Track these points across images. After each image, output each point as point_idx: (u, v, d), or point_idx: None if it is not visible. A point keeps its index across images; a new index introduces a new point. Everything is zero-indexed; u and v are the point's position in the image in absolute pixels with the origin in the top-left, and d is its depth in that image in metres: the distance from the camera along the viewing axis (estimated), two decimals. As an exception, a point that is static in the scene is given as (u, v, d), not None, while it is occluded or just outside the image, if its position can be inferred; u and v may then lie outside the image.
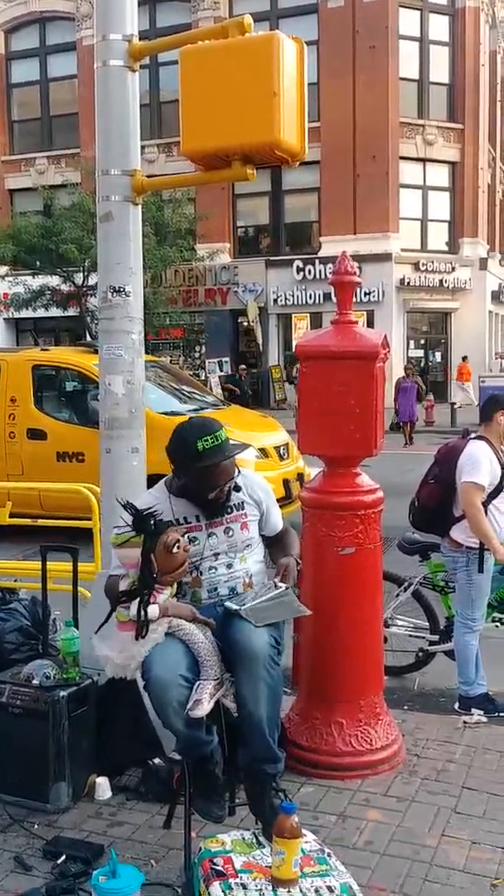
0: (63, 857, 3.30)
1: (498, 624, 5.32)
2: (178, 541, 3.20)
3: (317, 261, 29.15)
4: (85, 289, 25.18)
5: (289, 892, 2.75)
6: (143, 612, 3.15)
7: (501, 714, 4.73)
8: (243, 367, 28.60)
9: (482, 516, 4.68)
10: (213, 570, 3.44)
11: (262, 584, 3.45)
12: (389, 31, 28.34)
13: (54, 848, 3.38)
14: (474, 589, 4.83)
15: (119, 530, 3.27)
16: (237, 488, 3.49)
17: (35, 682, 3.84)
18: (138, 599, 3.16)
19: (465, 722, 4.62)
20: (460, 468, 4.79)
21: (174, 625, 3.21)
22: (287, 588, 3.33)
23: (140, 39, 4.39)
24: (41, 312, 27.78)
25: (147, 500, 3.53)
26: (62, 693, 3.74)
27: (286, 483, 9.16)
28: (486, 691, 4.85)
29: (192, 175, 4.48)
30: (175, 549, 3.18)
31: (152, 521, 3.21)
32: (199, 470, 3.32)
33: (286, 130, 3.93)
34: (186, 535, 3.40)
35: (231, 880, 2.80)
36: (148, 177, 4.42)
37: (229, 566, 3.46)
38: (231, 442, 3.42)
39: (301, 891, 2.76)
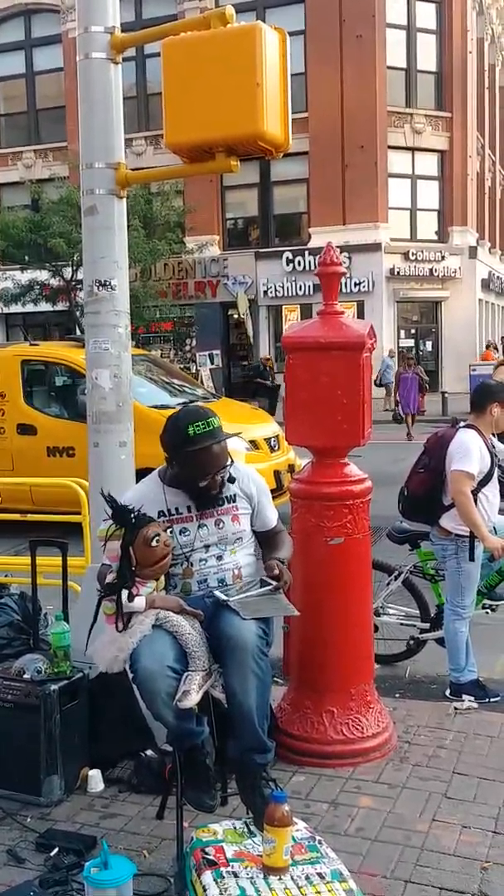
0: (56, 850, 3.31)
1: (488, 611, 5.35)
2: (157, 535, 3.21)
3: (306, 252, 29.13)
4: (74, 283, 25.15)
5: (280, 879, 2.77)
6: (120, 604, 3.16)
7: (492, 700, 4.76)
8: (267, 356, 27.21)
9: (471, 505, 4.70)
10: (204, 562, 3.45)
11: (252, 578, 3.47)
12: (376, 20, 28.30)
13: (47, 840, 3.39)
14: (464, 576, 4.85)
15: (104, 524, 3.28)
16: (231, 479, 3.50)
17: (26, 676, 3.85)
18: (118, 592, 3.18)
19: (455, 708, 4.64)
20: (450, 457, 4.80)
21: (161, 616, 3.22)
22: (276, 586, 3.32)
23: (125, 31, 4.38)
24: (30, 307, 27.75)
25: (140, 489, 3.55)
26: (53, 687, 3.75)
27: (277, 475, 9.18)
28: (477, 678, 4.88)
29: (176, 167, 4.48)
30: (154, 543, 3.19)
31: (132, 515, 3.22)
32: (189, 455, 3.34)
33: (270, 121, 3.94)
34: (175, 526, 3.42)
35: (222, 869, 2.82)
36: (137, 169, 4.41)
37: (219, 558, 3.47)
38: (222, 429, 3.42)
39: (292, 878, 2.78)
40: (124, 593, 3.18)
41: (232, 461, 3.51)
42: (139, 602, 3.19)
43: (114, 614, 3.20)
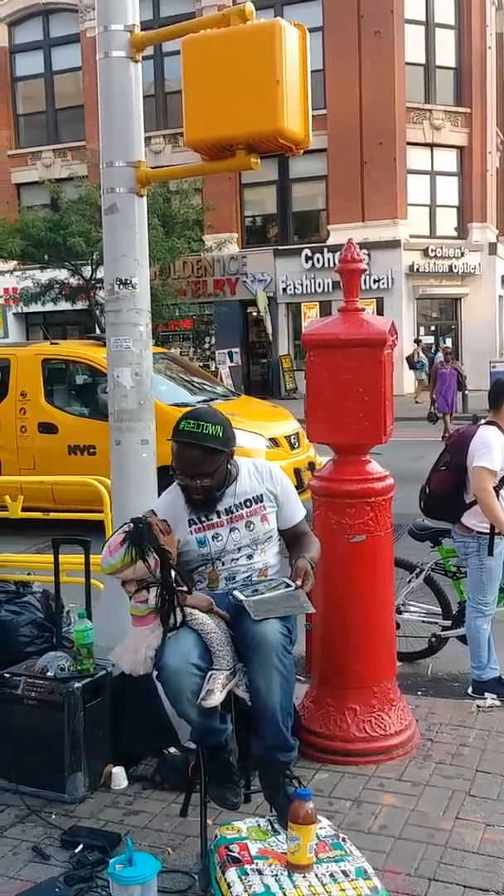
0: (80, 846, 3.33)
1: (510, 608, 5.32)
2: (164, 521, 3.27)
3: (325, 249, 29.05)
4: (93, 282, 25.18)
5: (304, 877, 2.77)
6: (174, 594, 3.20)
7: (515, 698, 4.74)
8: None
9: (494, 500, 4.67)
10: (235, 562, 3.46)
11: (276, 577, 3.46)
12: (395, 15, 28.15)
13: (72, 837, 3.40)
14: (486, 573, 4.83)
15: (109, 560, 3.25)
16: (220, 498, 3.44)
17: (50, 674, 3.86)
18: (159, 590, 3.19)
19: (478, 706, 4.62)
20: (472, 453, 4.78)
21: (186, 614, 3.23)
22: (297, 588, 3.30)
23: (144, 30, 4.39)
24: (50, 307, 27.81)
25: (167, 501, 3.56)
26: (77, 684, 3.77)
27: (297, 472, 9.16)
28: (499, 675, 4.86)
29: (195, 165, 4.47)
30: (170, 529, 3.26)
31: (139, 525, 3.23)
32: (174, 447, 3.37)
33: (290, 118, 3.93)
34: (208, 532, 3.44)
35: (247, 866, 2.82)
36: (155, 168, 4.41)
37: (250, 557, 3.48)
38: (219, 439, 3.35)
39: (317, 876, 2.78)
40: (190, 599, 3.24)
41: (236, 473, 3.47)
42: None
43: (143, 616, 3.21)
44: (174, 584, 3.21)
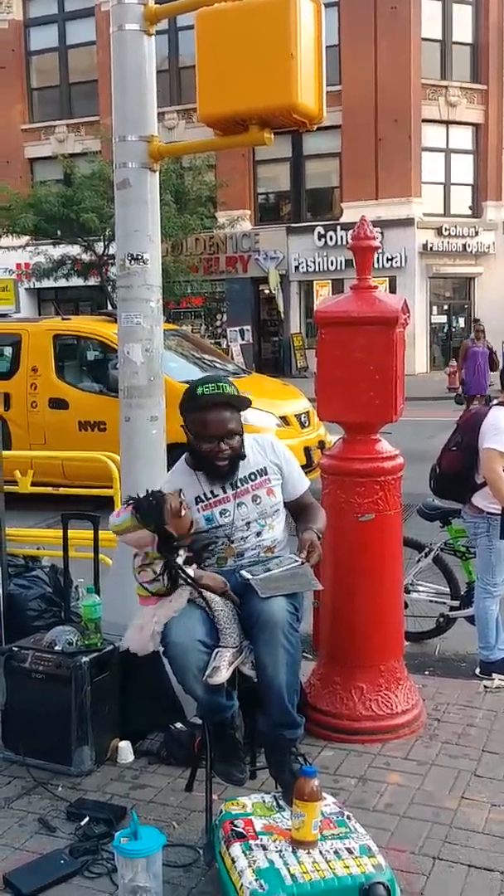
0: (86, 819, 3.35)
1: (519, 590, 5.31)
2: (181, 503, 3.25)
3: (338, 227, 28.86)
4: (105, 258, 25.10)
5: (308, 853, 2.78)
6: (179, 575, 3.19)
7: (522, 679, 4.74)
8: None
9: (503, 482, 4.65)
10: (244, 539, 3.47)
11: (285, 554, 3.46)
12: (411, -9, 27.84)
13: (78, 810, 3.43)
14: (495, 554, 4.82)
15: (115, 521, 3.30)
16: (242, 456, 3.47)
17: (57, 648, 3.88)
18: (166, 567, 3.20)
19: (485, 686, 4.63)
20: (483, 434, 4.75)
21: (194, 592, 3.23)
22: (304, 563, 3.32)
23: (158, 3, 4.34)
24: (62, 282, 27.77)
25: (174, 479, 3.56)
26: (84, 659, 3.79)
27: (307, 451, 9.16)
28: (507, 656, 4.86)
29: (209, 140, 4.44)
30: (183, 512, 3.24)
31: (151, 498, 3.23)
32: (196, 416, 3.37)
33: (304, 93, 3.89)
34: (215, 509, 3.43)
35: (251, 842, 2.83)
36: (168, 143, 4.38)
37: (259, 534, 3.49)
38: (236, 396, 3.42)
39: (321, 852, 2.79)
40: (191, 571, 3.22)
41: (242, 443, 3.47)
42: (194, 572, 3.25)
43: (149, 596, 3.23)
44: (178, 567, 3.20)
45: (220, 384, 3.41)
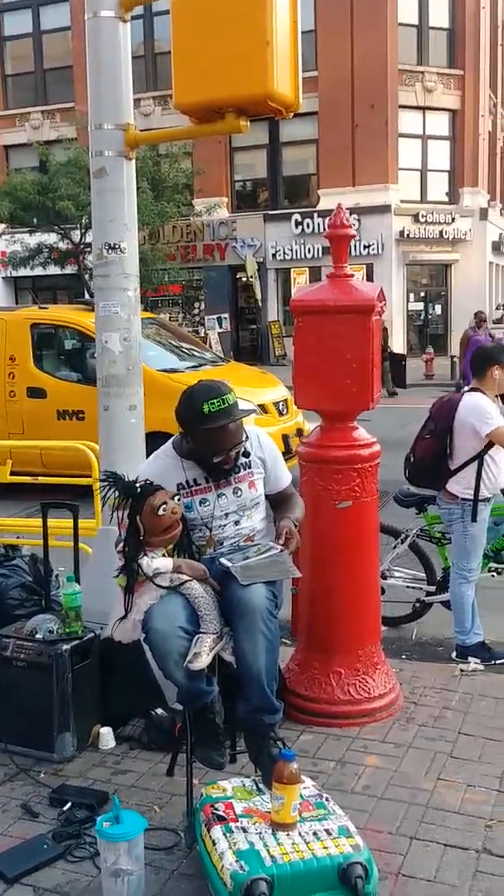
0: (69, 805, 3.39)
1: (494, 574, 5.39)
2: (164, 503, 3.23)
3: (315, 214, 28.83)
4: (83, 246, 24.97)
5: (288, 835, 2.82)
6: (136, 574, 3.20)
7: (497, 662, 4.81)
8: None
9: None
10: (222, 528, 3.49)
11: (263, 542, 3.49)
12: (387, -25, 27.76)
13: (60, 795, 3.46)
14: (470, 540, 4.88)
15: (102, 491, 3.31)
16: (246, 454, 3.50)
17: (38, 636, 3.90)
18: (125, 561, 3.22)
19: (461, 670, 4.69)
20: (470, 423, 4.76)
21: (174, 579, 3.26)
22: (283, 550, 3.35)
23: (132, -12, 4.33)
24: (39, 271, 27.60)
25: (158, 462, 3.56)
26: (65, 646, 3.81)
27: (286, 438, 9.19)
28: (483, 640, 4.93)
29: (185, 128, 4.43)
30: (161, 512, 3.21)
31: (138, 485, 3.25)
32: (204, 432, 3.34)
33: (280, 81, 3.89)
34: (195, 497, 3.44)
35: (232, 824, 2.87)
36: (145, 130, 4.37)
37: (237, 523, 3.51)
38: (239, 406, 3.41)
39: (300, 834, 2.83)
40: (144, 562, 3.22)
41: (247, 436, 3.50)
42: (166, 561, 3.24)
43: (123, 585, 3.25)
44: (136, 563, 3.22)
45: (224, 398, 3.34)
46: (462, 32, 29.88)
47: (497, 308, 28.72)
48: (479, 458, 4.77)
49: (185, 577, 3.26)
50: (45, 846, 3.16)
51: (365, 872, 2.71)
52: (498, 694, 4.38)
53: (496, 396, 4.98)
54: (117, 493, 3.26)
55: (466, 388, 4.96)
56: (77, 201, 22.62)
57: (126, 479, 3.29)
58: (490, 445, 4.79)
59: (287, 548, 3.35)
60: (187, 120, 4.25)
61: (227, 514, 3.48)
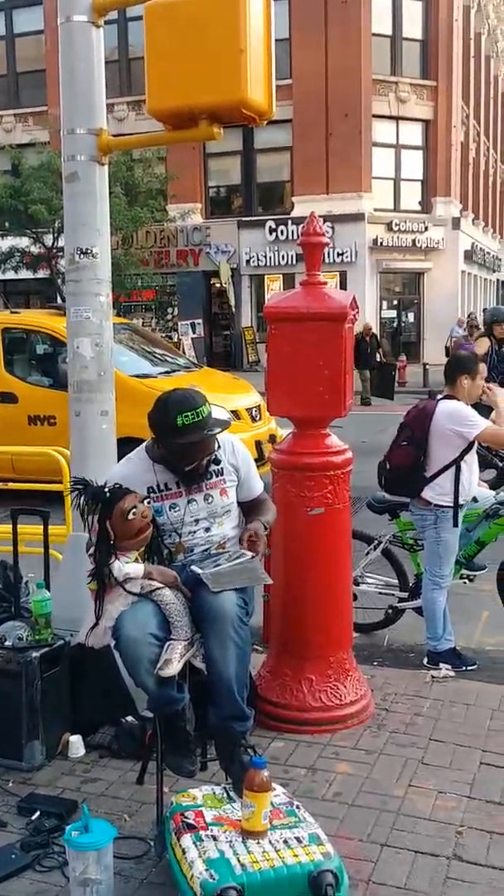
0: (37, 813, 3.35)
1: (465, 581, 5.41)
2: (134, 507, 3.21)
3: (289, 221, 28.91)
4: (55, 251, 24.89)
5: (258, 843, 2.81)
6: (108, 579, 3.18)
7: (468, 668, 4.83)
8: (368, 325, 21.65)
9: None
10: (192, 534, 3.47)
11: (234, 549, 3.48)
12: (362, -15, 27.93)
13: (28, 804, 3.43)
14: (442, 546, 4.90)
15: (72, 496, 3.31)
16: (216, 461, 3.50)
17: (7, 643, 3.87)
18: (95, 565, 3.21)
19: (433, 676, 4.70)
20: (444, 429, 4.78)
21: (145, 585, 3.24)
22: (253, 557, 3.35)
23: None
24: (10, 275, 27.45)
25: (129, 465, 3.54)
26: (35, 654, 3.77)
27: (258, 444, 9.19)
28: (454, 646, 4.94)
29: (158, 134, 4.43)
30: (131, 516, 3.20)
31: (106, 490, 3.23)
32: (178, 446, 3.33)
33: (254, 88, 3.91)
34: (165, 502, 3.43)
35: (202, 832, 2.86)
36: (118, 135, 4.36)
37: (207, 530, 3.49)
38: (213, 417, 3.39)
39: (270, 842, 2.82)
40: (115, 567, 3.20)
41: (219, 444, 3.50)
42: (137, 567, 3.22)
43: (94, 590, 3.23)
44: (105, 559, 3.21)
45: (198, 410, 3.30)
46: (435, 43, 30.16)
47: (468, 316, 28.88)
48: (456, 464, 4.79)
49: (156, 584, 3.25)
50: (14, 856, 3.12)
51: (335, 880, 2.71)
52: (468, 700, 4.39)
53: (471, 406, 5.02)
54: (86, 499, 3.24)
55: (440, 396, 4.98)
56: (49, 205, 22.54)
57: (95, 485, 3.27)
58: (466, 451, 4.81)
59: (253, 550, 3.35)
60: (161, 125, 4.24)
61: (197, 521, 3.47)
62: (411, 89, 30.09)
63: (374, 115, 29.22)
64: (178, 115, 4.05)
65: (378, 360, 20.53)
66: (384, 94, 29.61)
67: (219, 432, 3.42)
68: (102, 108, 4.36)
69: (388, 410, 17.79)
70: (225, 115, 4.04)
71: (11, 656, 3.78)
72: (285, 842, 2.83)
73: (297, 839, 2.85)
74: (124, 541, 3.23)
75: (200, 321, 30.07)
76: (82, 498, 3.26)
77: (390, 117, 29.93)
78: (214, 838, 2.83)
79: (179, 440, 3.31)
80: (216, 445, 3.47)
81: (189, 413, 3.29)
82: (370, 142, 29.07)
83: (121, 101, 29.05)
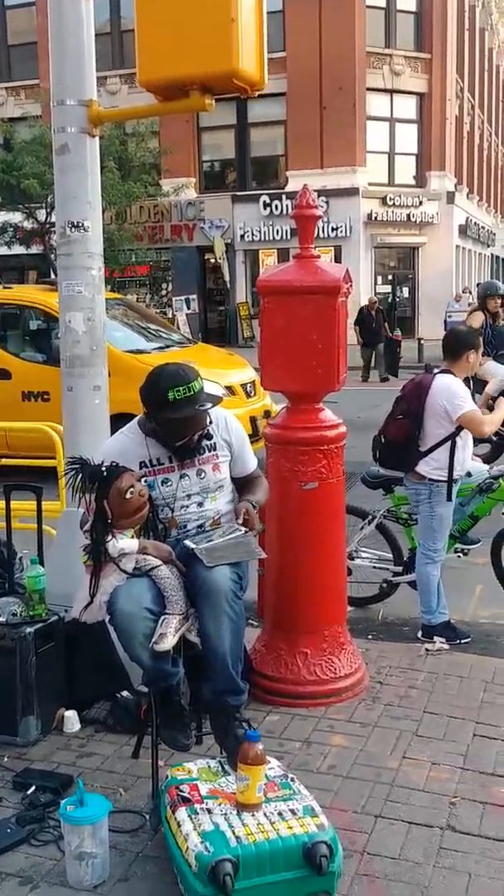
0: (33, 788, 3.36)
1: (459, 554, 5.43)
2: (132, 486, 3.20)
3: (284, 196, 28.77)
4: (48, 225, 24.72)
5: (253, 815, 2.82)
6: (103, 556, 3.17)
7: (462, 641, 4.84)
8: (374, 298, 22.28)
9: (489, 422, 4.89)
10: (185, 509, 3.46)
11: (228, 524, 3.48)
12: (356, -44, 27.64)
13: (24, 779, 3.43)
14: (436, 520, 4.90)
15: (67, 475, 3.27)
16: (208, 436, 3.48)
17: (2, 619, 3.86)
18: (92, 543, 3.20)
19: (427, 649, 4.72)
20: (438, 406, 4.77)
21: (140, 560, 3.24)
22: (247, 532, 3.35)
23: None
24: (4, 250, 27.30)
25: (121, 439, 3.53)
26: (29, 630, 3.77)
27: (253, 420, 9.17)
28: (448, 619, 4.95)
29: (149, 106, 4.38)
30: (129, 495, 3.19)
31: (103, 469, 3.22)
32: (169, 420, 3.32)
33: (245, 58, 3.85)
34: (158, 477, 3.41)
35: (197, 805, 2.87)
36: (109, 108, 4.30)
37: (200, 505, 3.48)
38: (205, 392, 3.37)
39: (265, 814, 2.83)
40: (110, 545, 3.19)
41: (211, 419, 3.48)
42: (132, 542, 3.22)
43: (89, 565, 3.22)
44: (101, 537, 3.20)
45: (190, 384, 3.29)
46: (430, 16, 29.91)
47: (463, 291, 28.83)
48: (452, 439, 4.78)
49: (152, 561, 3.25)
50: (9, 830, 3.13)
51: (329, 851, 2.72)
52: (462, 673, 4.41)
53: (468, 378, 5.02)
54: (84, 479, 3.23)
55: (437, 371, 4.96)
56: (42, 180, 22.36)
57: (91, 464, 3.25)
58: (461, 427, 4.81)
59: (248, 528, 3.34)
60: (154, 99, 4.19)
61: (189, 496, 3.46)
62: (406, 62, 29.87)
63: (369, 89, 29.03)
64: (170, 85, 4.00)
65: (384, 335, 20.26)
66: (378, 66, 29.39)
67: (210, 407, 3.40)
68: (92, 78, 4.30)
69: (384, 386, 17.82)
70: (216, 86, 3.98)
71: (6, 632, 3.78)
72: (280, 814, 2.84)
73: (292, 811, 2.86)
74: (121, 519, 3.22)
75: (195, 297, 29.98)
76: (79, 477, 3.24)
77: (384, 90, 29.73)
78: (209, 811, 2.84)
79: (170, 415, 3.29)
80: (209, 420, 3.45)
81: (181, 388, 3.28)
82: (364, 115, 28.91)
83: (113, 75, 28.78)
